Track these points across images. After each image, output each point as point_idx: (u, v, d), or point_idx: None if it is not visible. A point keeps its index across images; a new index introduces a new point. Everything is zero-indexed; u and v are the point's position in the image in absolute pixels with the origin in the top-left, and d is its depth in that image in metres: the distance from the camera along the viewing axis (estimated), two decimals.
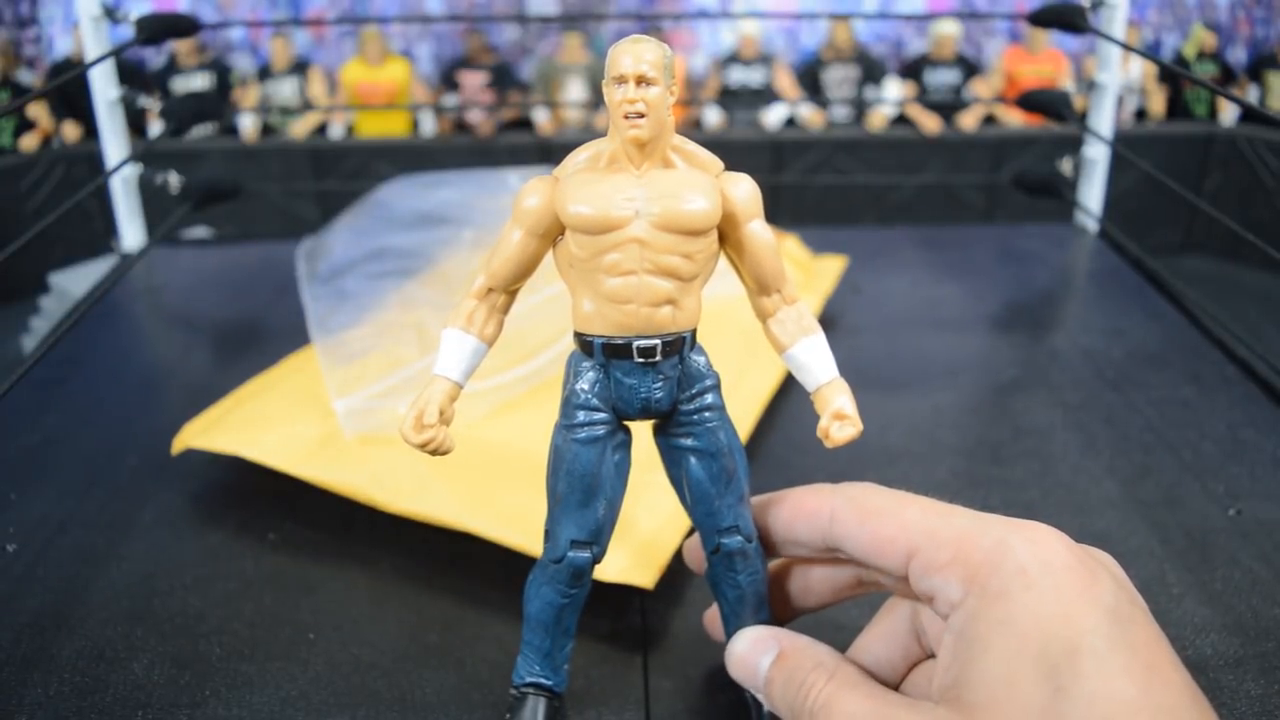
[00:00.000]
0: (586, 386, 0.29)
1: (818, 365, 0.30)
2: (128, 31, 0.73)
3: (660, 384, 0.29)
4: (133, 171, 0.80)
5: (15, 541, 0.42)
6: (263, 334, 0.65)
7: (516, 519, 0.39)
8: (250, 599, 0.38)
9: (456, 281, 0.56)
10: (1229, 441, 0.50)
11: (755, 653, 0.29)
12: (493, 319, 0.30)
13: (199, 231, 1.80)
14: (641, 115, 0.26)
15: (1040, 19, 0.76)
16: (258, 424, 0.45)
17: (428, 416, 0.28)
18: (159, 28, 0.73)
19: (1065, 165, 0.84)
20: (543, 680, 0.31)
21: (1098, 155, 0.83)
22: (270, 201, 2.91)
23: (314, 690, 0.34)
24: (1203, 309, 0.65)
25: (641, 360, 0.28)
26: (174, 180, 0.80)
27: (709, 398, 0.30)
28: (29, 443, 0.51)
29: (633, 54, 0.26)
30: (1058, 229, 0.84)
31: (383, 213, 0.66)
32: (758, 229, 0.29)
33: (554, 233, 0.29)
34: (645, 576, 0.36)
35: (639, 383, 0.28)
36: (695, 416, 0.30)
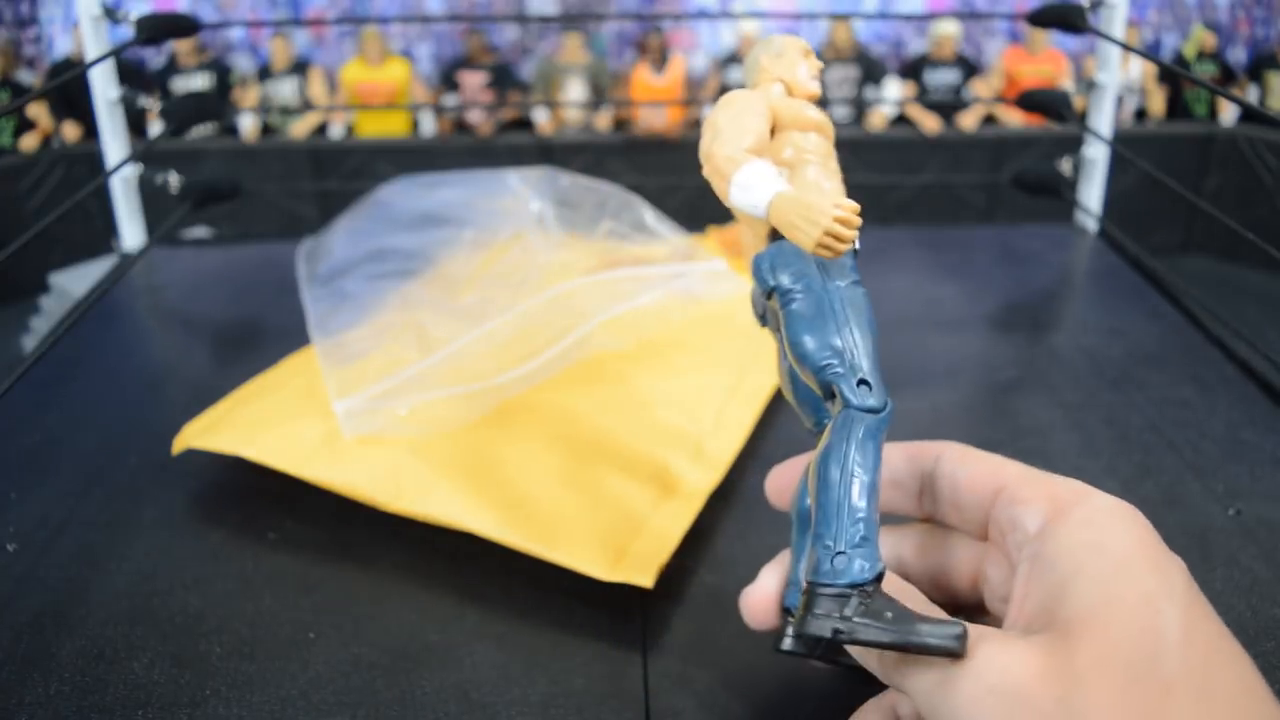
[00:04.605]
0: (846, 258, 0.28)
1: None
2: (128, 31, 0.73)
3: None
4: (133, 171, 0.80)
5: (15, 541, 0.42)
6: (263, 334, 0.65)
7: (516, 519, 0.39)
8: (250, 599, 0.38)
9: (457, 282, 0.56)
10: (1229, 441, 0.50)
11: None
12: None
13: (199, 231, 1.80)
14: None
15: (1040, 19, 0.76)
16: (258, 424, 0.45)
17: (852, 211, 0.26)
18: (159, 28, 0.73)
19: (1065, 165, 0.84)
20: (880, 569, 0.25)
21: (1097, 155, 0.83)
22: (270, 201, 2.91)
23: (314, 690, 0.34)
24: (1202, 309, 0.65)
25: (858, 247, 0.29)
26: (174, 180, 0.80)
27: None
28: (29, 443, 0.51)
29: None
30: (1058, 229, 0.84)
31: (383, 213, 0.66)
32: None
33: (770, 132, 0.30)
34: (645, 576, 0.36)
35: (853, 266, 0.29)
36: None
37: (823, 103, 0.32)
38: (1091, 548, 0.24)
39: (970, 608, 0.29)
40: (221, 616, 0.37)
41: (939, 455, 0.29)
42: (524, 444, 0.44)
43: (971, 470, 0.28)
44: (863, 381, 0.26)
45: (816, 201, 0.25)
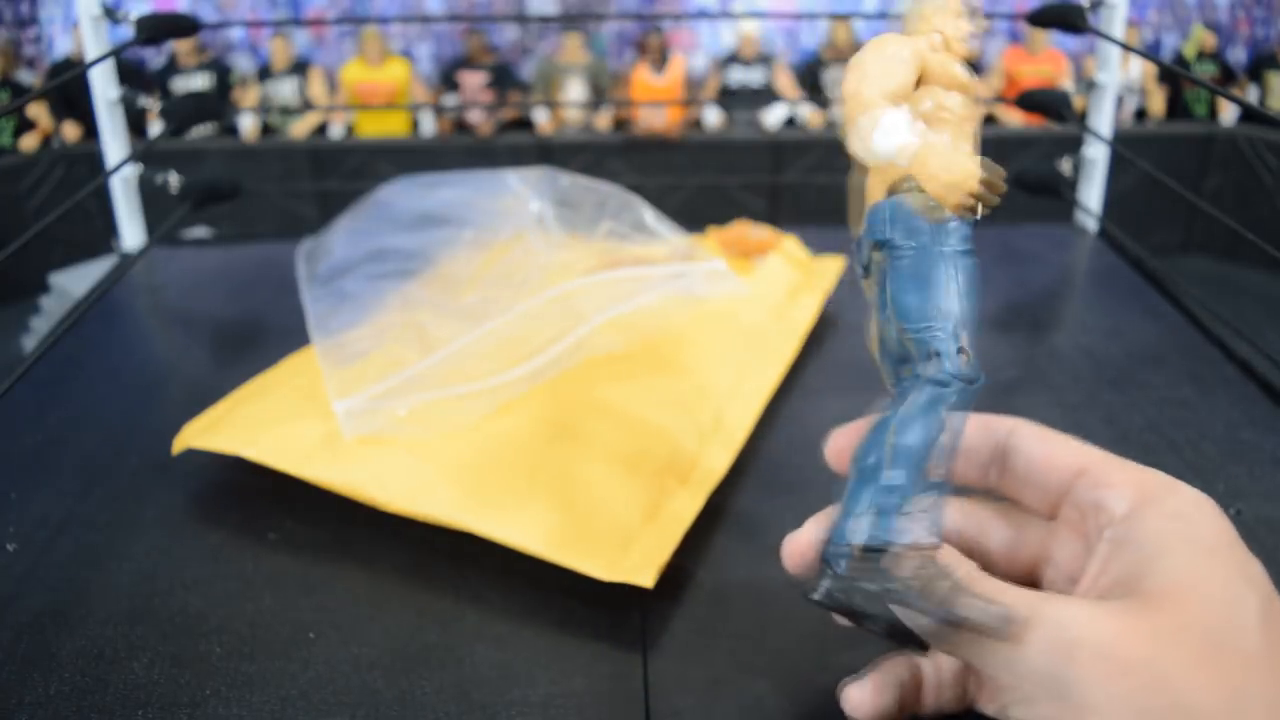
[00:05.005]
0: (960, 224, 0.28)
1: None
2: (128, 31, 0.73)
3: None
4: (133, 171, 0.80)
5: (15, 541, 0.42)
6: (263, 334, 0.65)
7: (516, 519, 0.39)
8: (250, 599, 0.38)
9: (457, 282, 0.56)
10: (1229, 441, 0.50)
11: None
12: None
13: (199, 231, 1.80)
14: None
15: (1040, 19, 0.76)
16: (258, 424, 0.45)
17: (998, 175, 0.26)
18: (159, 28, 0.73)
19: (1065, 165, 0.84)
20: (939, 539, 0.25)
21: (1098, 155, 0.83)
22: (270, 201, 2.91)
23: (314, 690, 0.34)
24: (1202, 309, 0.65)
25: (979, 216, 0.28)
26: (174, 180, 0.80)
27: None
28: (29, 442, 0.51)
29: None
30: (1058, 229, 0.84)
31: (383, 213, 0.66)
32: None
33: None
34: (645, 576, 0.36)
35: (969, 235, 0.28)
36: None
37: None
38: (1180, 536, 0.24)
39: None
40: (221, 616, 0.37)
41: (1012, 429, 0.29)
42: (524, 444, 0.44)
43: (1050, 448, 0.28)
44: (962, 349, 0.26)
45: (964, 160, 0.26)
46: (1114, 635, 0.22)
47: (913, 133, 0.27)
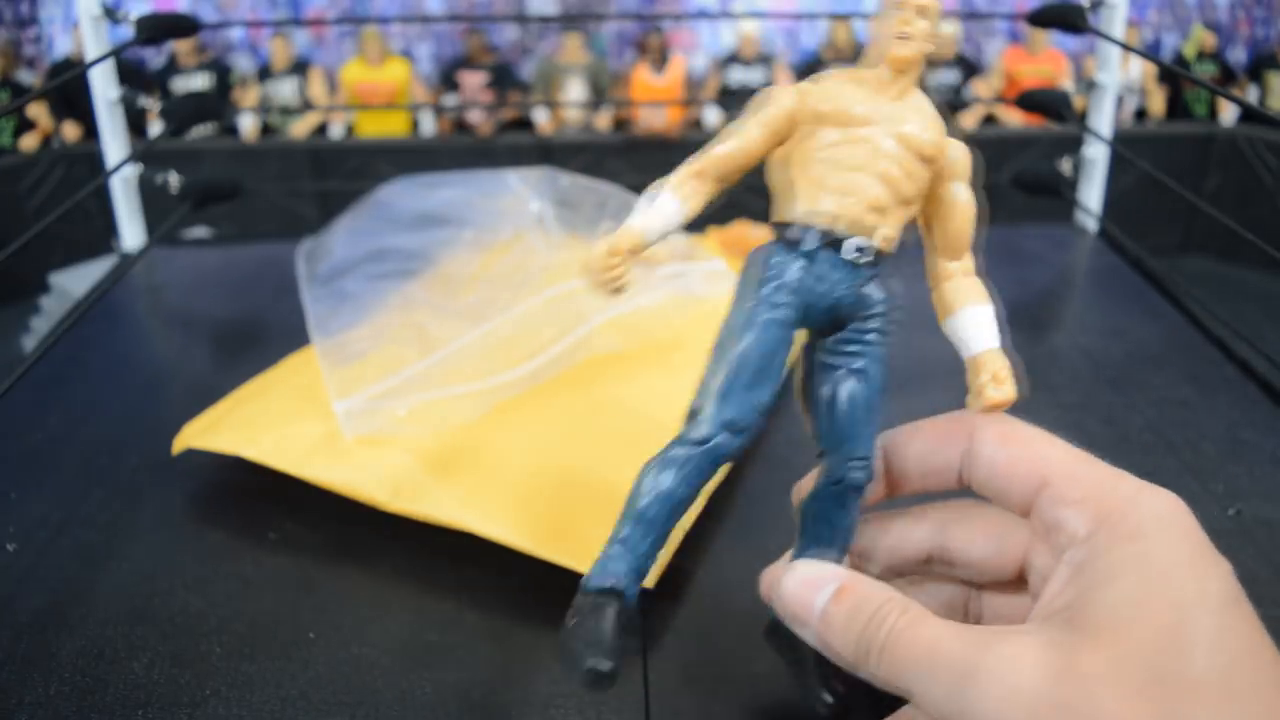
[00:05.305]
0: (789, 277, 0.28)
1: (986, 331, 0.31)
2: (128, 31, 0.73)
3: (852, 288, 0.29)
4: (133, 171, 0.80)
5: (15, 541, 0.42)
6: (263, 334, 0.65)
7: (516, 519, 0.39)
8: (250, 599, 0.38)
9: (457, 282, 0.56)
10: (1229, 441, 0.50)
11: (809, 589, 0.27)
12: (697, 196, 0.29)
13: (199, 231, 1.80)
14: (911, 39, 0.28)
15: (1040, 19, 0.76)
16: (258, 424, 0.45)
17: (612, 250, 0.27)
18: (159, 28, 0.73)
19: (1065, 165, 0.84)
20: (621, 585, 0.27)
21: (1098, 155, 0.83)
22: (270, 201, 2.91)
23: (314, 690, 0.34)
24: (1202, 309, 0.65)
25: (853, 256, 0.28)
26: (174, 180, 0.80)
27: (878, 323, 0.30)
28: (29, 442, 0.51)
29: None
30: (1058, 229, 0.84)
31: (383, 213, 0.66)
32: (962, 189, 0.30)
33: (782, 137, 0.29)
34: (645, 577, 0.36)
35: (843, 278, 0.28)
36: (868, 336, 0.29)
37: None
38: (1133, 559, 0.24)
39: (1012, 585, 0.29)
40: (221, 616, 0.37)
41: (973, 435, 0.29)
42: (524, 444, 0.44)
43: (1011, 454, 0.28)
44: (694, 411, 0.28)
45: (594, 250, 0.27)
46: (1052, 679, 0.22)
47: (638, 218, 0.28)
